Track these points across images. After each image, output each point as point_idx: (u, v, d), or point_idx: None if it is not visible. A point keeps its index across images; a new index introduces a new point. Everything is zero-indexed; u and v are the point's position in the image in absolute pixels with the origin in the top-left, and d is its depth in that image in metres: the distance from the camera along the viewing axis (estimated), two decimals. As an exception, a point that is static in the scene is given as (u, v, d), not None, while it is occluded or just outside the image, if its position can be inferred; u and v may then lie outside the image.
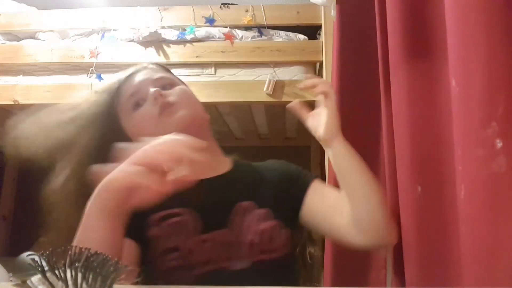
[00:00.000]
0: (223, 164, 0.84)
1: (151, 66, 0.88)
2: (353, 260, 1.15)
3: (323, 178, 1.36)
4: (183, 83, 0.87)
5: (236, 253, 0.70)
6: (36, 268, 0.38)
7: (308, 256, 0.95)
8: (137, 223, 0.66)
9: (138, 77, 0.82)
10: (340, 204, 0.75)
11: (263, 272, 0.70)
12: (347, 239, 0.76)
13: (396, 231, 0.74)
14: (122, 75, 0.85)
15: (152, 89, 0.77)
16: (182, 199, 0.64)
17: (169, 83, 0.82)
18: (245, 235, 0.71)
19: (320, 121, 0.77)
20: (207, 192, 0.73)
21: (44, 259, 0.38)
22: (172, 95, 0.78)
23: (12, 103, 1.84)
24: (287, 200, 0.80)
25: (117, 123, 0.80)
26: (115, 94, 0.81)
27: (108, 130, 0.78)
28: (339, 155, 0.76)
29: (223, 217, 0.73)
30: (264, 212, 0.75)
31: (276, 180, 0.82)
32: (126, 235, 0.61)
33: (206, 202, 0.72)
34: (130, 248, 0.68)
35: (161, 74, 0.84)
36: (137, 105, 0.79)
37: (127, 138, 0.77)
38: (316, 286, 1.93)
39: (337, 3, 1.30)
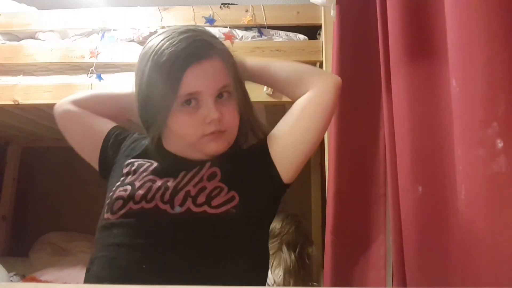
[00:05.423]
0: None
1: (219, 48, 0.80)
2: (353, 260, 1.15)
3: (323, 178, 1.36)
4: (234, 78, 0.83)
5: (173, 198, 0.76)
6: None
7: (306, 257, 0.95)
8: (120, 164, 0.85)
9: (206, 72, 0.77)
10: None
11: (194, 221, 0.74)
12: (311, 104, 0.83)
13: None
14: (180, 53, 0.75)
15: (212, 111, 0.76)
16: (158, 156, 0.83)
17: (227, 90, 0.80)
18: (185, 185, 0.77)
19: None
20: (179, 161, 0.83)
21: None
22: (225, 119, 0.79)
23: (12, 103, 1.83)
24: (252, 165, 0.83)
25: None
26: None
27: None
28: (255, 67, 0.90)
29: (178, 172, 0.80)
30: (214, 171, 0.79)
31: (249, 152, 0.86)
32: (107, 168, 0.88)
33: (172, 162, 0.82)
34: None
35: (225, 78, 0.79)
36: (189, 102, 0.77)
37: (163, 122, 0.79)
38: (314, 285, 1.93)
39: (337, 3, 1.30)
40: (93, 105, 0.96)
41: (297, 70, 0.89)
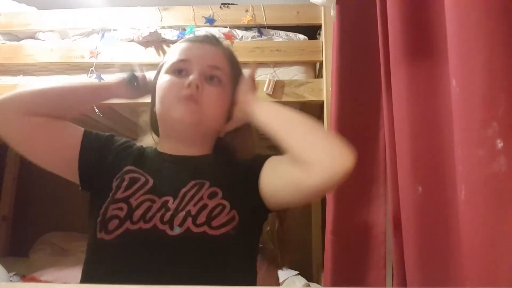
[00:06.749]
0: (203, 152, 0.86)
1: (224, 46, 0.90)
2: (353, 260, 1.15)
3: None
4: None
5: (172, 219, 0.73)
6: None
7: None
8: (107, 174, 0.79)
9: (202, 49, 0.84)
10: (286, 160, 0.73)
11: (194, 243, 0.72)
12: (301, 186, 0.70)
13: (349, 154, 0.65)
14: (194, 38, 0.90)
15: (194, 76, 0.79)
16: (149, 167, 0.79)
17: (217, 77, 0.82)
18: (186, 205, 0.74)
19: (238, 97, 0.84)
20: (171, 165, 0.81)
21: None
22: (205, 95, 0.80)
23: (12, 103, 1.83)
24: (246, 186, 0.78)
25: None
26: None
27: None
28: (263, 111, 0.80)
29: (175, 189, 0.76)
30: (214, 191, 0.76)
31: (242, 169, 0.82)
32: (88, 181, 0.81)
33: (166, 173, 0.79)
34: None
35: (219, 62, 0.84)
36: (179, 71, 0.82)
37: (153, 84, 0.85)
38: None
39: (337, 3, 1.30)
40: (48, 108, 0.80)
41: (309, 132, 0.73)
